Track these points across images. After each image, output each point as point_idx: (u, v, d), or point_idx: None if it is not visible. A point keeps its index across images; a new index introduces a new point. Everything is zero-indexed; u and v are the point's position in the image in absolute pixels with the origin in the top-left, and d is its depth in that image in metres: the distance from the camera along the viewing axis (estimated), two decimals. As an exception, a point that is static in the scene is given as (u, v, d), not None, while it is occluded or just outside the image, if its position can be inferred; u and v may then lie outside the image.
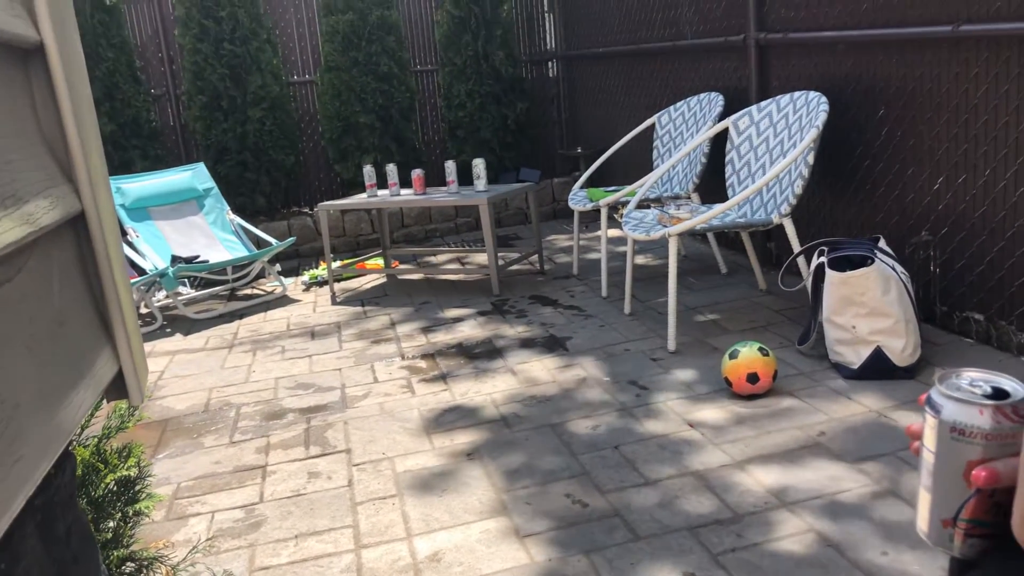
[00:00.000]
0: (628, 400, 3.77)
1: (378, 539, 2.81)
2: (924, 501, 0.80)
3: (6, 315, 0.62)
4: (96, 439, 1.48)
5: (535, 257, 6.72)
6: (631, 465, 3.15)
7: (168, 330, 5.79)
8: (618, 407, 3.70)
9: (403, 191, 6.28)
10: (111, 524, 1.40)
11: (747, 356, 3.65)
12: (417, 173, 6.11)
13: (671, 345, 4.33)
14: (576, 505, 2.89)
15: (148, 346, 5.40)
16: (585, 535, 2.69)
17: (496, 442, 3.48)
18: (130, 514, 1.45)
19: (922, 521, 0.81)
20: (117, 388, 0.77)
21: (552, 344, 4.67)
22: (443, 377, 4.31)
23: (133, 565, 1.48)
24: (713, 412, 3.54)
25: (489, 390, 4.06)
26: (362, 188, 7.67)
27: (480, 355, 4.61)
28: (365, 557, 2.70)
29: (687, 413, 3.56)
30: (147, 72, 7.92)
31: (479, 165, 5.93)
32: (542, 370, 4.27)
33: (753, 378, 3.60)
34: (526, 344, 4.72)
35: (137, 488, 1.48)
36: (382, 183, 7.38)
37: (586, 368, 4.23)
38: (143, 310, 6.21)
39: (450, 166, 6.06)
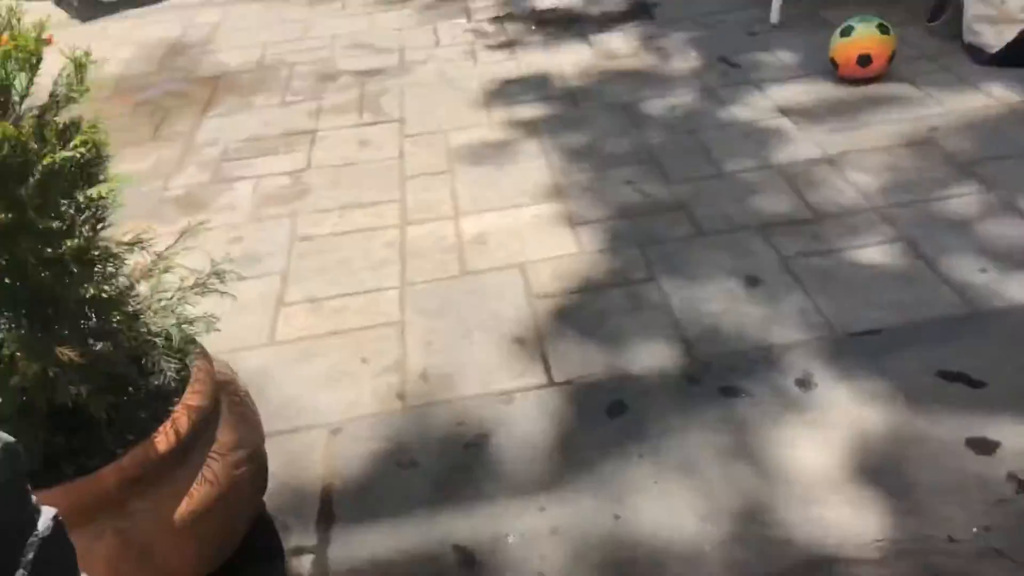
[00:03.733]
0: (714, 80, 3.32)
1: (424, 216, 2.65)
2: None
3: None
4: (35, 112, 1.23)
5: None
6: (706, 154, 2.82)
7: (225, -22, 5.35)
8: (701, 87, 3.27)
9: None
10: (64, 211, 1.21)
11: (862, 34, 3.08)
12: None
13: (775, 16, 3.73)
14: (637, 194, 2.63)
15: (203, -5, 5.04)
16: (643, 227, 2.46)
17: (560, 120, 3.15)
18: (81, 200, 1.25)
19: None
20: None
21: (637, 11, 4.11)
22: (510, 45, 3.88)
23: (97, 253, 1.30)
24: (810, 98, 3.09)
25: (559, 62, 3.64)
26: None
27: (554, 21, 4.10)
28: (410, 234, 2.57)
29: (779, 98, 3.11)
30: None
31: None
32: (622, 41, 3.78)
33: (865, 60, 3.07)
34: (607, 10, 4.16)
35: (92, 170, 1.25)
36: None
37: (672, 41, 3.72)
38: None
39: None
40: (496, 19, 4.20)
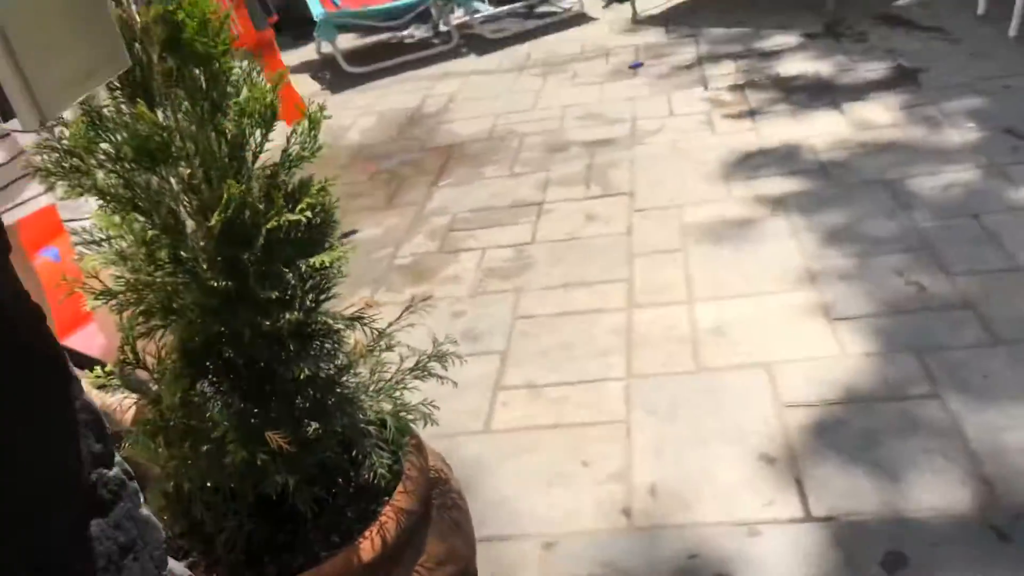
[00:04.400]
0: (1000, 155, 2.85)
1: (653, 299, 2.42)
2: None
3: None
4: (267, 171, 1.15)
5: (887, -35, 5.34)
6: (995, 241, 2.37)
7: (464, 50, 5.55)
8: (984, 163, 2.81)
9: None
10: (288, 280, 1.11)
11: None
12: None
13: (1076, 82, 3.18)
14: (911, 287, 2.24)
15: (442, 67, 5.23)
16: (919, 329, 2.07)
17: (811, 196, 2.83)
18: (304, 269, 1.15)
19: None
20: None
21: (899, 78, 3.69)
22: (751, 114, 3.60)
23: (316, 328, 1.19)
24: None
25: (807, 132, 3.31)
26: None
27: (800, 88, 3.78)
28: (636, 319, 2.35)
29: (1091, 178, 2.59)
30: None
31: None
32: (881, 111, 3.39)
33: None
34: (863, 77, 3.77)
35: (319, 236, 1.16)
36: None
37: (943, 110, 3.27)
38: (441, 28, 6.03)
39: None
40: (736, 87, 3.95)
